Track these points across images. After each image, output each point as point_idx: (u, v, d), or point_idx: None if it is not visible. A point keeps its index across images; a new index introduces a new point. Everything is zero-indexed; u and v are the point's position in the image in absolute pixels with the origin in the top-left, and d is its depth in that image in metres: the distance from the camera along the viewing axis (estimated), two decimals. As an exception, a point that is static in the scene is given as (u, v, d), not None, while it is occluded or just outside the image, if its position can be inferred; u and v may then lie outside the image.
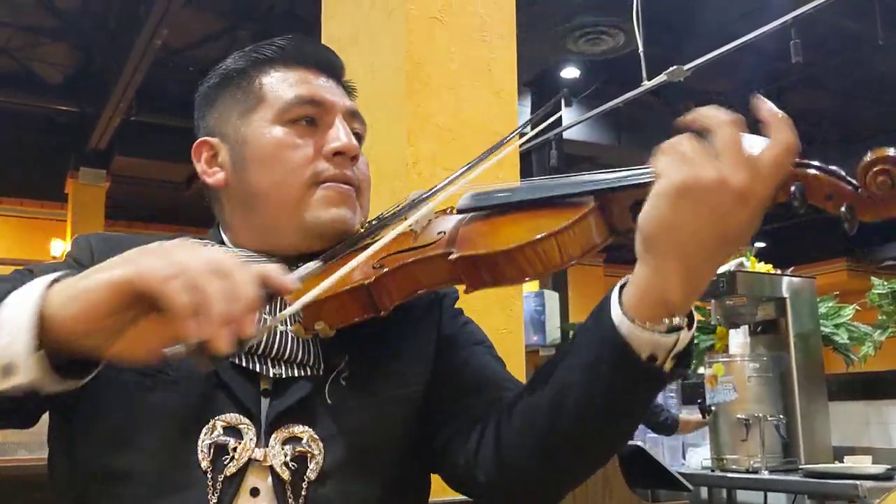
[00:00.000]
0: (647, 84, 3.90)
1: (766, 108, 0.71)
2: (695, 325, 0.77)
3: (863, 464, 2.82)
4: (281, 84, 0.99)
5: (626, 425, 0.84)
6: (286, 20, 6.26)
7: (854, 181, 0.71)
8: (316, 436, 0.86)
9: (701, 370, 3.33)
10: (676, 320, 0.74)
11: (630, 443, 2.78)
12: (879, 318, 3.26)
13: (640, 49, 3.78)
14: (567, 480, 0.89)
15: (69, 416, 0.87)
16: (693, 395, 3.49)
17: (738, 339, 3.14)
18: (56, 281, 0.70)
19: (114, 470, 0.83)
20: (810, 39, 6.28)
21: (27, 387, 0.66)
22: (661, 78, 3.80)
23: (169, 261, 0.65)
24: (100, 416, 0.86)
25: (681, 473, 3.08)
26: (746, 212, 0.69)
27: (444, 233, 0.88)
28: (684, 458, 3.47)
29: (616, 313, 0.75)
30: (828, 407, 3.22)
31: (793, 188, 0.71)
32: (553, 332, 5.52)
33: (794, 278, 3.30)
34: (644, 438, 3.44)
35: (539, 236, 0.77)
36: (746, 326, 3.25)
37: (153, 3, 5.89)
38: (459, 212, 0.90)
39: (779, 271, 3.42)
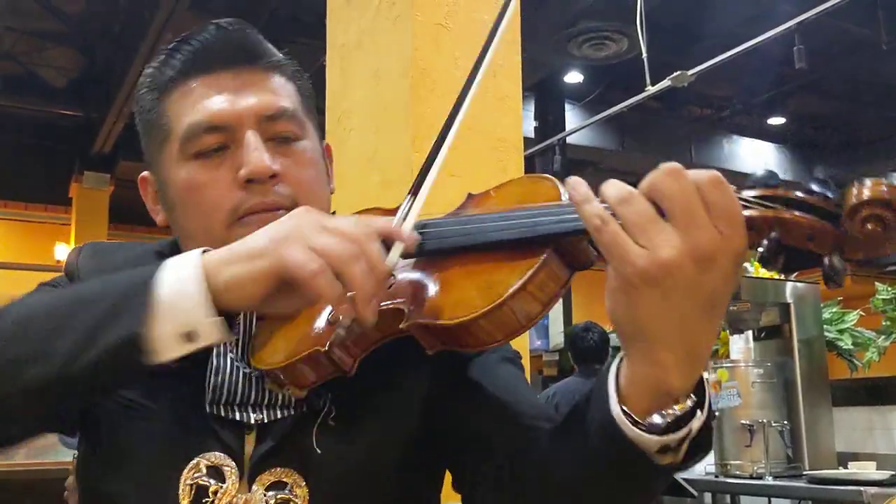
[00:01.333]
0: (651, 89, 3.91)
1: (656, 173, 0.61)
2: (708, 405, 0.66)
3: (867, 470, 2.81)
4: (181, 109, 0.86)
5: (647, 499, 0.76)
6: (289, 25, 6.28)
7: (837, 213, 0.59)
8: (302, 482, 0.80)
9: (705, 375, 3.33)
10: (687, 403, 0.64)
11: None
12: (884, 323, 3.26)
13: (644, 54, 3.78)
14: None
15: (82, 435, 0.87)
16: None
17: (741, 345, 3.14)
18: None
19: (108, 493, 0.81)
20: (814, 45, 6.29)
21: (205, 347, 0.70)
22: (666, 83, 3.80)
23: (309, 246, 0.68)
24: (99, 438, 0.84)
25: (684, 479, 3.07)
26: (720, 271, 0.59)
27: (394, 279, 0.78)
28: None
29: (615, 410, 0.65)
30: (832, 413, 3.21)
31: (772, 234, 0.60)
32: (556, 336, 5.52)
33: (797, 284, 3.30)
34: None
35: (495, 303, 0.68)
36: (750, 332, 3.25)
37: (158, 7, 5.91)
38: (406, 256, 0.78)
39: (782, 277, 3.42)
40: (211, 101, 0.85)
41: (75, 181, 9.11)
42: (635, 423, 0.64)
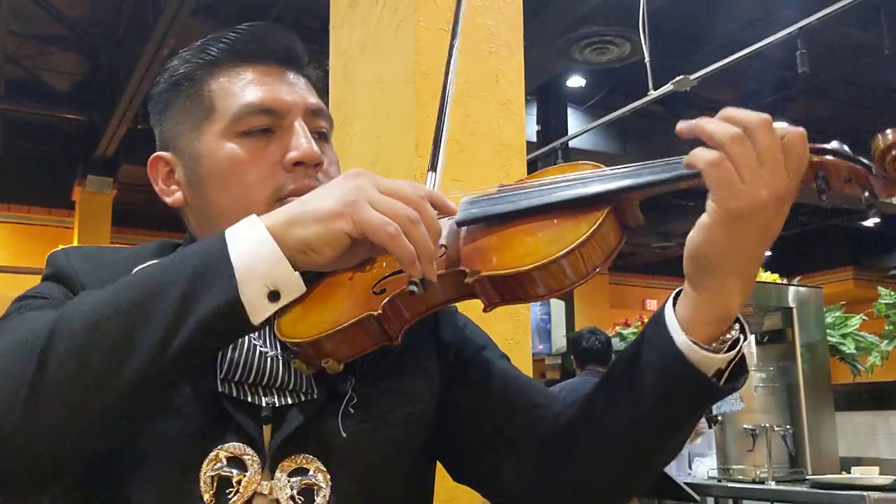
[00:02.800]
0: (653, 93, 3.91)
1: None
2: (748, 330, 0.77)
3: (870, 475, 2.81)
4: (230, 90, 0.90)
5: (686, 436, 0.84)
6: (293, 30, 6.30)
7: (867, 162, 0.71)
8: (323, 466, 0.81)
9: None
10: (734, 332, 0.74)
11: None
12: (886, 328, 3.26)
13: (647, 59, 3.78)
14: (624, 492, 0.87)
15: None
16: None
17: (745, 349, 3.14)
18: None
19: (126, 498, 0.80)
20: (817, 49, 6.29)
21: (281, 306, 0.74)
22: (668, 87, 3.80)
23: (378, 208, 0.73)
24: None
25: (687, 483, 3.07)
26: (785, 212, 0.70)
27: (445, 247, 0.81)
28: (690, 467, 3.46)
29: (680, 339, 0.73)
30: (834, 417, 3.21)
31: (818, 177, 0.72)
32: (559, 340, 5.52)
33: (800, 288, 3.30)
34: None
35: (565, 251, 0.73)
36: (753, 336, 3.25)
37: (161, 11, 5.93)
38: (460, 223, 0.82)
39: (785, 281, 3.42)
40: (265, 86, 0.91)
41: (78, 185, 9.13)
42: (701, 348, 0.72)
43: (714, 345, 0.72)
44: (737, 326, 0.74)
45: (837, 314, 3.66)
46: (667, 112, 8.14)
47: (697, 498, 2.66)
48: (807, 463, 3.04)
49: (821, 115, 8.86)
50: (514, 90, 1.80)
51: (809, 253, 12.82)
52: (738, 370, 0.75)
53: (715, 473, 3.16)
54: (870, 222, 12.55)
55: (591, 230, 0.74)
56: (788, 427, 3.03)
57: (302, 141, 0.88)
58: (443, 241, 0.82)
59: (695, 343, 0.72)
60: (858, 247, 13.36)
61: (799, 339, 3.19)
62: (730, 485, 3.02)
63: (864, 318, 3.68)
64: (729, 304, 0.72)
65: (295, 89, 0.93)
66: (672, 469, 3.36)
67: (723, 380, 0.74)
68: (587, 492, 0.83)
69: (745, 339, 0.75)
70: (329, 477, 0.81)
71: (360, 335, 0.79)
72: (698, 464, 3.41)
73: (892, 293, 3.23)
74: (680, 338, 0.73)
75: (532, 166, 6.32)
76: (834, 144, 0.72)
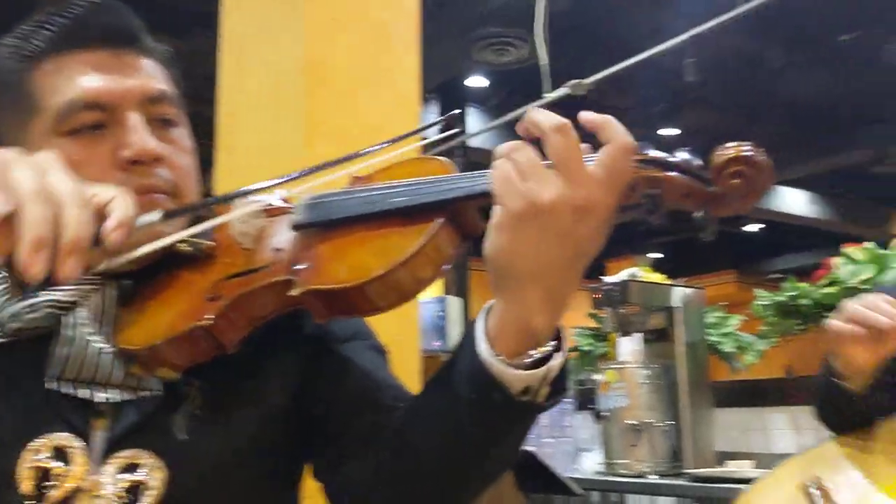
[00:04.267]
0: (547, 96, 3.97)
1: (588, 117, 0.70)
2: (565, 348, 0.73)
3: (744, 468, 2.94)
4: (54, 85, 0.82)
5: (509, 456, 0.81)
6: (185, 14, 6.10)
7: (707, 176, 0.69)
8: (159, 463, 0.77)
9: (595, 376, 3.41)
10: (547, 348, 0.71)
11: (522, 448, 2.82)
12: (763, 328, 3.41)
13: (543, 62, 3.84)
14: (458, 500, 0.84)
15: None
16: (587, 400, 3.57)
17: (630, 347, 3.23)
18: None
19: None
20: (708, 60, 6.56)
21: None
22: (562, 91, 3.86)
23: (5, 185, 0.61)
24: None
25: (574, 478, 3.13)
26: (592, 225, 0.66)
27: (281, 251, 0.78)
28: (577, 463, 3.54)
29: (482, 348, 0.70)
30: (713, 413, 3.34)
31: (649, 193, 0.69)
32: (454, 337, 5.55)
33: (684, 289, 3.42)
34: (539, 444, 3.49)
35: (391, 266, 0.70)
36: (639, 334, 3.34)
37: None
38: (295, 227, 0.79)
39: (671, 282, 3.54)
40: (90, 77, 0.82)
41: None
42: (502, 363, 0.69)
43: (516, 360, 0.69)
44: (552, 343, 0.71)
45: (718, 314, 3.81)
46: (565, 115, 8.31)
47: (581, 492, 2.72)
48: (687, 457, 3.15)
49: (712, 124, 9.23)
50: (409, 85, 1.80)
51: (696, 256, 13.35)
52: (559, 385, 0.72)
53: (600, 468, 3.23)
54: (753, 228, 13.19)
55: (420, 244, 0.71)
56: (670, 423, 3.13)
57: (135, 137, 0.81)
58: (279, 244, 0.79)
59: (496, 356, 0.69)
60: (742, 251, 14.02)
61: (681, 337, 3.30)
62: (614, 479, 3.10)
63: (744, 318, 3.84)
64: (530, 318, 0.68)
65: (130, 75, 0.84)
66: (559, 464, 3.43)
67: (539, 395, 0.70)
68: (420, 495, 0.81)
69: (560, 357, 0.71)
70: (164, 475, 0.77)
71: (192, 345, 0.75)
72: (585, 459, 3.49)
73: (770, 295, 3.38)
74: (482, 347, 0.70)
75: (432, 163, 6.34)
76: (675, 157, 0.70)
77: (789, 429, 3.31)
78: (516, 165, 0.67)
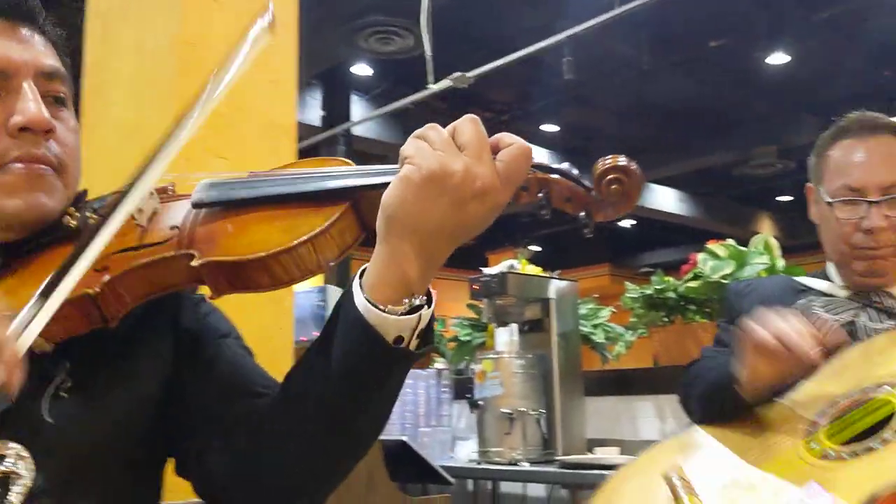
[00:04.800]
0: (431, 87, 4.00)
1: (498, 136, 0.76)
2: (434, 303, 0.79)
3: (611, 455, 3.05)
4: None
5: (385, 407, 0.84)
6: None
7: (588, 185, 0.78)
8: (25, 453, 0.75)
9: (473, 366, 3.45)
10: (416, 300, 0.76)
11: (394, 438, 2.82)
12: (632, 319, 3.54)
13: (427, 53, 3.86)
14: (337, 473, 0.85)
15: None
16: (464, 390, 3.61)
17: (506, 337, 3.29)
18: None
19: None
20: (586, 60, 6.74)
21: None
22: (446, 83, 3.90)
23: None
24: None
25: (449, 467, 3.17)
26: (484, 207, 0.73)
27: (178, 228, 0.78)
28: (453, 451, 3.58)
29: (360, 300, 0.74)
30: (584, 402, 3.44)
31: (539, 194, 0.77)
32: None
33: (559, 281, 3.51)
34: (416, 433, 3.51)
35: (296, 241, 0.73)
36: (515, 325, 3.41)
37: None
38: (196, 205, 0.80)
39: (547, 274, 3.62)
40: None
41: None
42: (377, 307, 0.73)
43: (390, 307, 0.74)
44: (422, 298, 0.77)
45: (591, 306, 3.93)
46: (449, 108, 8.37)
47: (452, 481, 2.75)
48: (558, 445, 3.24)
49: (589, 121, 9.53)
50: (287, 69, 1.76)
51: (573, 250, 13.76)
52: (427, 338, 0.78)
53: (475, 456, 3.28)
54: (627, 224, 13.71)
55: (325, 224, 0.75)
56: (543, 411, 3.21)
57: (29, 105, 0.82)
58: (176, 222, 0.79)
59: (371, 303, 0.74)
60: (616, 246, 14.55)
61: (555, 328, 3.39)
62: (488, 467, 3.15)
63: (614, 310, 3.98)
64: (407, 268, 0.74)
65: (26, 47, 0.86)
66: (436, 453, 3.46)
67: (410, 345, 0.76)
68: (290, 474, 0.81)
69: (429, 310, 0.78)
70: (32, 463, 0.75)
71: (74, 314, 0.74)
72: (460, 447, 3.54)
73: (639, 288, 3.51)
74: (359, 298, 0.74)
75: (314, 151, 6.26)
76: (562, 165, 0.78)
77: (655, 416, 3.45)
78: (430, 138, 0.73)
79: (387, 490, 2.03)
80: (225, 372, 0.90)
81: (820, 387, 1.22)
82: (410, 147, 0.74)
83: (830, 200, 1.46)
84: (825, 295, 1.49)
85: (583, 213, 0.78)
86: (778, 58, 7.70)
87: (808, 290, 1.52)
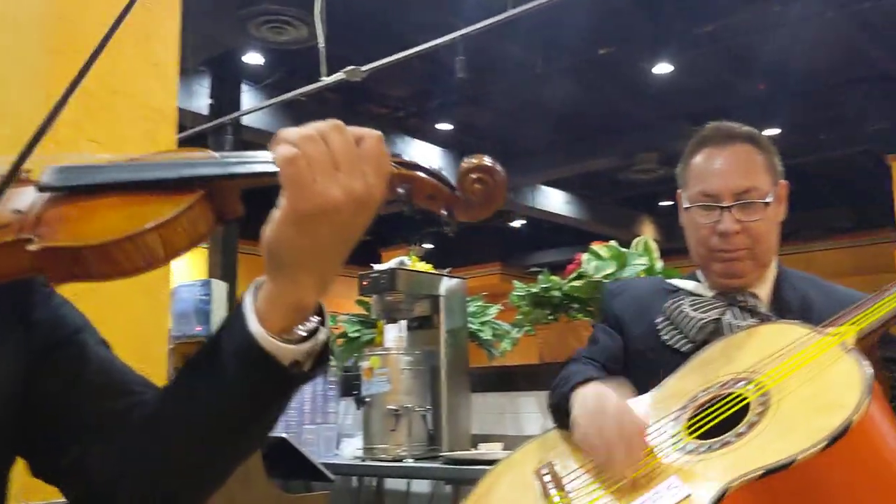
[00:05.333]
0: (324, 80, 3.94)
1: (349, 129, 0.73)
2: (328, 322, 0.78)
3: (494, 450, 3.09)
4: None
5: (276, 417, 0.83)
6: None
7: (452, 183, 0.77)
8: None
9: (361, 363, 3.43)
10: (312, 323, 0.75)
11: (274, 434, 2.78)
12: (518, 317, 3.60)
13: (321, 45, 3.80)
14: (224, 473, 0.84)
15: None
16: (351, 386, 3.59)
17: (394, 334, 3.29)
18: None
19: None
20: (482, 61, 6.82)
21: None
22: (339, 76, 3.86)
23: None
24: None
25: (333, 464, 3.14)
26: (368, 214, 0.72)
27: (22, 213, 0.74)
28: (338, 448, 3.55)
29: (254, 327, 0.73)
30: (470, 398, 3.48)
31: (400, 189, 0.76)
32: (218, 323, 5.36)
33: (449, 278, 3.53)
34: (301, 430, 3.46)
35: (141, 229, 0.69)
36: (404, 322, 3.41)
37: None
38: (42, 189, 0.75)
39: (437, 271, 3.64)
40: None
41: None
42: (274, 338, 0.73)
43: (286, 335, 0.73)
44: (316, 318, 0.76)
45: (479, 303, 3.98)
46: (343, 101, 8.30)
47: (333, 478, 2.73)
48: (443, 441, 3.26)
49: (481, 121, 9.64)
50: (168, 53, 1.69)
51: (465, 248, 13.89)
52: (322, 358, 0.77)
53: (360, 453, 3.26)
54: (517, 224, 13.97)
55: (174, 213, 0.71)
56: (429, 407, 3.23)
57: None
58: (21, 206, 0.74)
59: (268, 332, 0.72)
60: (507, 245, 14.79)
61: (444, 325, 3.41)
62: (372, 463, 3.14)
63: (501, 307, 4.04)
64: (303, 297, 0.73)
65: None
66: (321, 449, 3.42)
67: (305, 367, 0.75)
68: (173, 478, 0.80)
69: (325, 332, 0.76)
70: None
71: None
72: (346, 444, 3.51)
73: (525, 287, 3.57)
74: (254, 326, 0.73)
75: (200, 140, 6.07)
76: (425, 163, 0.78)
77: (538, 412, 3.52)
78: (309, 161, 0.69)
79: (263, 486, 1.99)
80: (94, 371, 0.86)
81: (682, 382, 1.27)
82: (288, 177, 0.69)
83: (689, 205, 1.54)
84: (693, 295, 1.55)
85: (445, 212, 0.77)
86: (662, 68, 8.00)
87: (677, 291, 1.59)
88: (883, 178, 9.59)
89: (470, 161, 0.77)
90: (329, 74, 4.07)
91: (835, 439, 0.96)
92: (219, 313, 5.54)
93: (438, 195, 0.77)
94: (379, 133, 0.72)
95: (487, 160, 0.77)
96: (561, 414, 1.43)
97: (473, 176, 0.76)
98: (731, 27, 7.26)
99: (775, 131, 8.80)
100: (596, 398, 1.32)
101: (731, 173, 1.49)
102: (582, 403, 1.33)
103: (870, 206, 11.31)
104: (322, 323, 0.76)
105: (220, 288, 5.45)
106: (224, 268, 5.78)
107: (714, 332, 1.45)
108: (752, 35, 7.39)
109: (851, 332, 1.17)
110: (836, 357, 1.11)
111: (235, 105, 7.24)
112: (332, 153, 0.69)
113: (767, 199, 1.48)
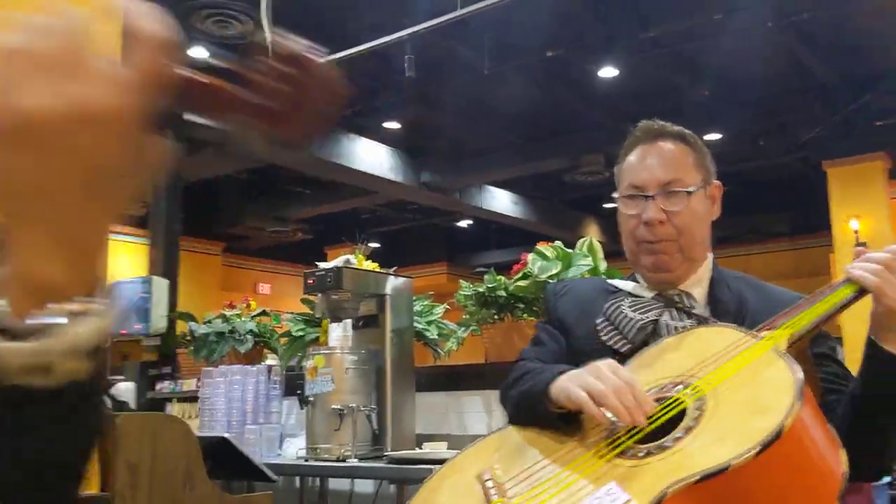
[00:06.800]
0: (271, 75, 3.89)
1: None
2: (107, 310, 0.52)
3: (439, 450, 3.10)
4: None
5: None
6: None
7: (244, 73, 0.56)
8: None
9: (305, 362, 3.40)
10: (72, 307, 0.51)
11: (215, 435, 2.74)
12: (464, 316, 3.61)
13: (267, 39, 3.76)
14: None
15: None
16: (294, 386, 3.55)
17: (339, 333, 3.27)
18: None
19: None
20: (430, 60, 6.82)
21: None
22: (286, 71, 3.81)
23: None
24: None
25: (277, 464, 3.11)
26: (107, 134, 0.49)
27: None
28: (281, 448, 3.52)
29: None
30: (415, 397, 3.48)
31: (164, 100, 0.52)
32: (159, 320, 5.27)
33: (395, 277, 3.53)
34: (241, 430, 3.42)
35: None
36: (349, 321, 3.40)
37: None
38: None
39: (383, 270, 3.63)
40: None
41: None
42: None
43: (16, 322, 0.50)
44: (84, 302, 0.51)
45: (426, 303, 3.98)
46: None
47: (275, 478, 2.71)
48: (387, 440, 3.25)
49: (431, 122, 9.63)
50: (108, 44, 1.65)
51: (412, 248, 13.88)
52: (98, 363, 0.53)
53: (304, 453, 3.24)
54: (464, 224, 14.00)
55: None
56: (374, 407, 3.22)
57: None
58: None
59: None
60: (454, 245, 14.82)
61: (390, 324, 3.41)
62: (316, 463, 3.12)
63: (448, 307, 4.05)
64: (35, 267, 0.50)
65: None
66: (263, 449, 3.38)
67: (57, 373, 0.50)
68: None
69: (93, 321, 0.51)
70: None
71: None
72: (289, 444, 3.48)
73: (471, 286, 3.59)
74: None
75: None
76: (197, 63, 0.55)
77: (483, 411, 3.54)
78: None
79: (204, 487, 1.96)
80: None
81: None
82: None
83: (617, 196, 1.57)
84: (633, 296, 1.58)
85: (233, 121, 0.56)
86: (609, 71, 8.10)
87: (618, 291, 1.61)
88: (819, 185, 9.89)
89: (281, 42, 0.55)
90: (276, 70, 4.02)
91: (767, 444, 0.98)
92: (159, 311, 5.45)
93: (223, 103, 0.55)
94: (160, 29, 0.52)
95: (308, 46, 0.55)
96: (526, 405, 1.39)
97: (279, 71, 0.54)
98: (676, 33, 7.39)
99: (717, 136, 8.99)
100: (584, 367, 1.29)
101: (658, 166, 1.55)
102: (568, 374, 1.30)
103: (806, 211, 11.63)
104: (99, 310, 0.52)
105: (160, 285, 5.36)
106: (165, 265, 5.67)
107: (652, 333, 1.48)
108: (696, 42, 7.54)
109: (784, 336, 1.20)
110: (769, 361, 1.14)
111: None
112: (45, 52, 0.48)
113: (690, 189, 1.52)
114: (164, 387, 4.64)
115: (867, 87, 8.52)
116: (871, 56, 8.13)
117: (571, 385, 1.26)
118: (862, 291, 1.28)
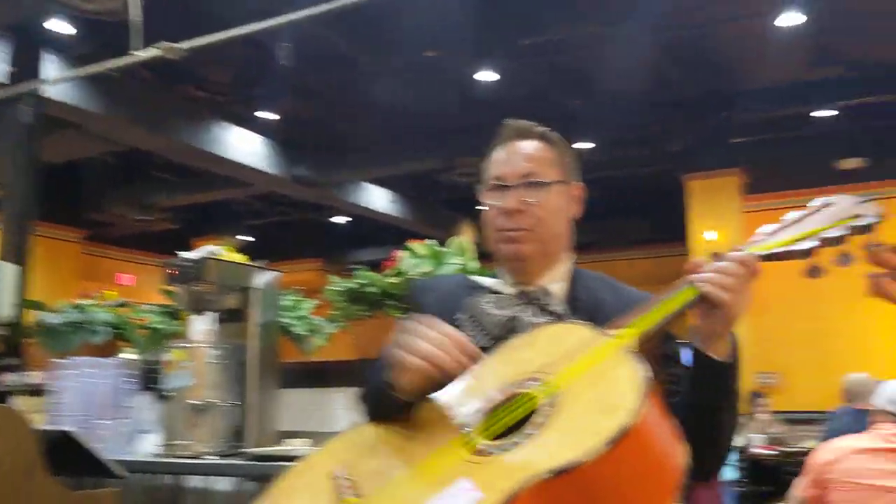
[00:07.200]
0: (137, 55, 3.73)
1: None
2: None
3: (300, 446, 3.05)
4: None
5: None
6: None
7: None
8: None
9: (164, 356, 3.27)
10: None
11: (56, 428, 2.60)
12: (333, 312, 3.57)
13: (133, 15, 3.60)
14: None
15: None
16: (151, 380, 3.41)
17: (201, 326, 3.16)
18: None
19: None
20: (308, 52, 6.71)
21: None
22: (153, 52, 3.67)
23: None
24: None
25: (128, 460, 2.97)
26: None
27: None
28: (134, 444, 3.37)
29: None
30: (280, 394, 3.41)
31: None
32: (7, 308, 4.95)
33: (263, 271, 3.44)
34: (90, 425, 3.25)
35: None
36: (214, 313, 3.29)
37: None
38: None
39: (250, 263, 3.54)
40: None
41: None
42: None
43: None
44: None
45: (294, 298, 3.92)
46: (158, 80, 7.90)
47: (124, 475, 2.59)
48: (249, 437, 3.17)
49: (308, 115, 9.50)
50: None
51: (286, 243, 13.66)
52: None
53: (159, 450, 3.11)
54: (340, 220, 13.89)
55: None
56: (235, 403, 3.13)
57: None
58: None
59: None
60: (330, 242, 14.70)
61: (255, 318, 3.32)
62: (171, 460, 3.00)
63: (319, 302, 4.00)
64: None
65: None
66: (114, 446, 3.23)
67: None
68: None
69: None
70: None
71: None
72: (142, 440, 3.33)
73: (342, 282, 3.55)
74: None
75: (-5, 110, 5.56)
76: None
77: (349, 408, 3.51)
78: None
79: (46, 483, 1.85)
80: None
81: (477, 381, 1.29)
82: None
83: (482, 190, 1.63)
84: (494, 292, 1.60)
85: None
86: (487, 75, 8.23)
87: (480, 288, 1.63)
88: (679, 196, 10.40)
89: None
90: (143, 49, 3.86)
91: (614, 441, 1.01)
92: (6, 297, 5.11)
93: None
94: None
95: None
96: (373, 398, 1.39)
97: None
98: (554, 43, 7.59)
99: (590, 145, 9.30)
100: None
101: (519, 161, 1.61)
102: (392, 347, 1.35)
103: (667, 221, 12.20)
104: None
105: (10, 271, 5.03)
106: (15, 251, 5.33)
107: (512, 329, 1.50)
108: (573, 52, 7.78)
109: (633, 335, 1.24)
110: (618, 360, 1.17)
111: (36, 75, 6.69)
112: None
113: (547, 180, 1.57)
114: (9, 379, 4.36)
115: (726, 105, 9.04)
116: (731, 76, 8.64)
117: (396, 354, 1.32)
118: (702, 298, 1.34)
